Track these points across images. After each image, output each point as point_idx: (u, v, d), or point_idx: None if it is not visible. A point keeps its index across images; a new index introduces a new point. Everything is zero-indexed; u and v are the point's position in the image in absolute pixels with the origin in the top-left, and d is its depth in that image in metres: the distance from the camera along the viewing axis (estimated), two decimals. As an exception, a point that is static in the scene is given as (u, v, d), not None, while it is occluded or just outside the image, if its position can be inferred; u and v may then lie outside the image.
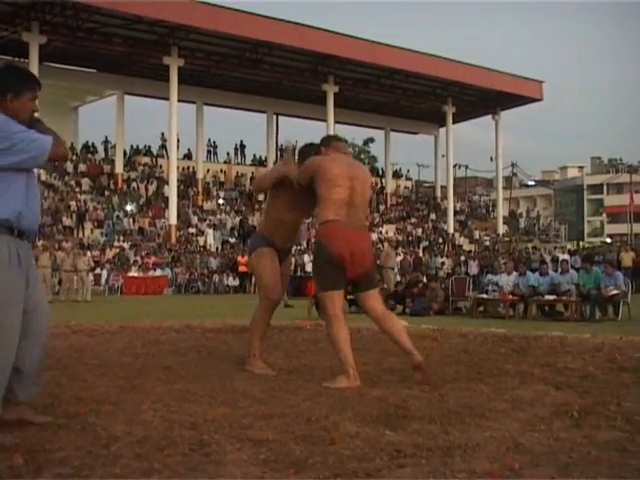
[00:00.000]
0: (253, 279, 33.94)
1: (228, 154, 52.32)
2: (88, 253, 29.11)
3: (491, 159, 54.57)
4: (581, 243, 58.11)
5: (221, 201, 45.17)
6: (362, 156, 77.83)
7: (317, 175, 6.20)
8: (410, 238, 45.28)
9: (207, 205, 44.13)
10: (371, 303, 6.29)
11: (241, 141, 53.06)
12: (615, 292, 15.78)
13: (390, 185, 54.38)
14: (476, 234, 49.36)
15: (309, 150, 6.75)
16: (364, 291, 6.29)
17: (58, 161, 3.91)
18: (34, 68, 34.15)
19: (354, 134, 75.01)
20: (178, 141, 43.09)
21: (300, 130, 56.56)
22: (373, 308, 6.28)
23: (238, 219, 42.94)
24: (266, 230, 6.87)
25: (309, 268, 31.27)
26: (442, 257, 35.57)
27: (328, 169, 6.16)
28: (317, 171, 6.22)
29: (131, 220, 39.66)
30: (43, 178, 40.51)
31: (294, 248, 18.90)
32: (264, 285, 6.78)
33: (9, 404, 4.31)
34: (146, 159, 48.10)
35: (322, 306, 6.45)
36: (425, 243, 44.47)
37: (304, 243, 36.16)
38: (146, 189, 44.06)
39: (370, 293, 6.32)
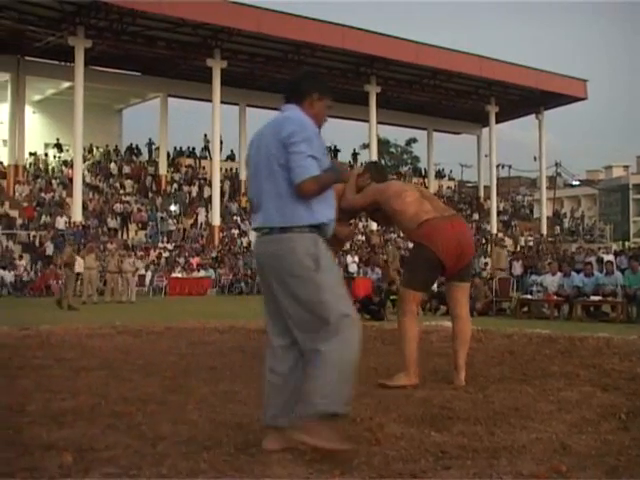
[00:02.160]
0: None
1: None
2: (133, 254, 29.35)
3: (535, 159, 54.08)
4: (626, 243, 57.27)
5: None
6: (405, 156, 77.60)
7: (381, 197, 6.26)
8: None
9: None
10: (459, 296, 6.30)
11: (286, 142, 53.06)
12: (662, 293, 15.55)
13: (433, 185, 54.08)
14: (520, 238, 48.94)
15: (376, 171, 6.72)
16: (458, 282, 6.27)
17: (304, 196, 3.89)
18: (79, 72, 34.60)
19: (396, 134, 74.68)
20: (221, 143, 43.24)
21: (343, 131, 56.66)
22: (459, 303, 6.30)
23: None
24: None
25: (352, 269, 31.27)
26: (485, 257, 35.31)
27: (385, 188, 6.30)
28: (377, 194, 6.29)
29: (175, 221, 39.91)
30: (88, 180, 40.98)
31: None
32: None
33: None
34: (189, 161, 48.34)
35: (400, 299, 6.48)
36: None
37: (347, 244, 36.10)
38: (189, 191, 44.31)
39: (463, 285, 6.32)
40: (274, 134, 3.90)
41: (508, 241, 45.88)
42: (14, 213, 35.86)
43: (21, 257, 31.80)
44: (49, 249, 32.36)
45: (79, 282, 25.66)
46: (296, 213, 3.85)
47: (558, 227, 55.80)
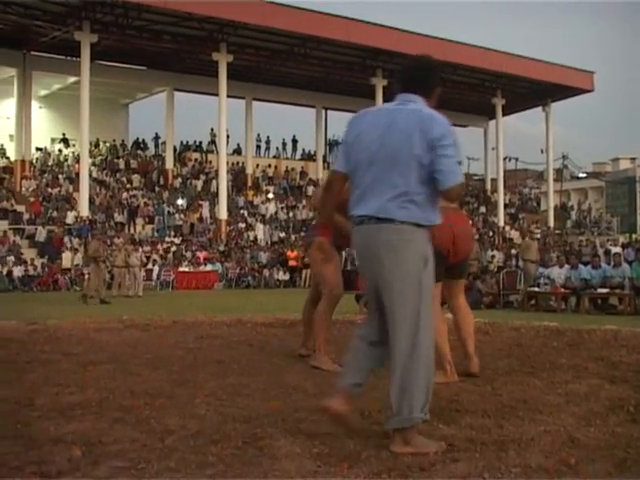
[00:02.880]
0: (304, 273, 34.12)
1: (277, 149, 52.44)
2: (140, 249, 29.38)
3: (542, 151, 53.95)
4: (634, 235, 57.09)
5: (270, 195, 45.26)
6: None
7: None
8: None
9: (257, 200, 44.26)
10: (456, 292, 6.25)
11: (294, 136, 53.11)
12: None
13: (439, 178, 53.95)
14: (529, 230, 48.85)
15: None
16: (455, 278, 6.15)
17: (452, 200, 3.87)
18: (85, 66, 34.61)
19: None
20: (228, 137, 43.26)
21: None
22: (456, 296, 6.25)
23: (287, 213, 43.09)
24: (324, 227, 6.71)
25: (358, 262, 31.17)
26: (492, 250, 35.27)
27: None
28: None
29: (182, 215, 39.94)
30: (95, 175, 41.03)
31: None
32: (328, 281, 6.69)
33: None
34: (196, 155, 48.37)
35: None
36: (475, 236, 44.18)
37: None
38: (196, 185, 44.33)
39: (459, 282, 6.25)
40: (420, 131, 3.76)
41: (515, 234, 45.82)
42: (21, 208, 35.93)
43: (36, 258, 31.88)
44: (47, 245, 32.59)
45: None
46: (420, 211, 3.82)
47: (567, 220, 55.67)
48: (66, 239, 33.09)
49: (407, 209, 3.78)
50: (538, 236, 42.20)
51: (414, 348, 3.75)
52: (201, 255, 34.22)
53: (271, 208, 43.12)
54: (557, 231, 49.05)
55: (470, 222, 6.31)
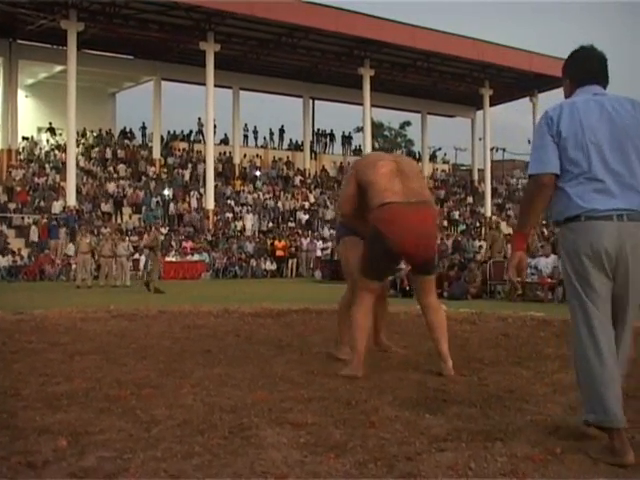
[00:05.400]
0: (290, 263, 34.19)
1: (265, 139, 52.35)
2: (127, 239, 29.29)
3: (529, 142, 54.01)
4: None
5: (258, 184, 45.24)
6: (399, 140, 77.49)
7: (357, 168, 6.16)
8: (447, 222, 45.03)
9: (244, 189, 44.19)
10: (426, 287, 6.06)
11: (282, 126, 53.00)
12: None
13: (427, 168, 53.97)
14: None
15: None
16: (424, 275, 6.02)
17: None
18: (72, 55, 34.41)
19: (390, 118, 74.46)
20: (215, 126, 43.13)
21: (337, 114, 56.54)
22: (425, 292, 6.07)
23: (274, 203, 43.08)
24: (349, 223, 6.60)
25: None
26: (480, 241, 35.30)
27: (362, 159, 6.13)
28: (355, 167, 6.22)
29: (169, 205, 39.83)
30: (82, 164, 40.85)
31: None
32: (351, 272, 6.47)
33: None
34: (183, 144, 48.21)
35: (355, 287, 6.20)
36: (462, 227, 44.25)
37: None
38: (183, 174, 44.21)
39: (428, 279, 6.06)
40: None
41: (503, 224, 45.89)
42: (7, 197, 35.73)
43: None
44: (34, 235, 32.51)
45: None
46: None
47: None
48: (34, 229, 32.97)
49: None
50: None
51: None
52: (187, 245, 34.15)
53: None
54: (544, 221, 49.15)
55: (436, 216, 5.84)
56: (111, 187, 39.43)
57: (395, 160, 6.09)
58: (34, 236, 32.62)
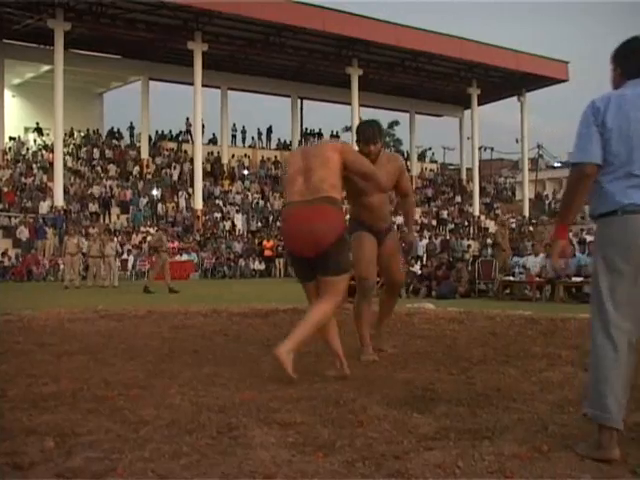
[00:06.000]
0: (278, 263, 34.15)
1: (253, 138, 52.35)
2: (115, 239, 29.24)
3: (517, 141, 54.24)
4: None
5: (247, 183, 45.22)
6: (387, 139, 77.52)
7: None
8: (436, 221, 45.10)
9: (233, 189, 44.17)
10: (320, 292, 5.53)
11: (270, 126, 53.03)
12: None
13: (415, 168, 54.10)
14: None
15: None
16: (320, 275, 5.48)
17: None
18: (59, 55, 34.35)
19: (379, 117, 74.34)
20: (203, 126, 43.10)
21: (325, 114, 56.45)
22: (320, 297, 5.53)
23: (263, 203, 43.08)
24: (354, 214, 6.68)
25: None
26: (468, 240, 35.38)
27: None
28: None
29: (157, 205, 39.76)
30: (69, 164, 40.74)
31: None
32: (354, 266, 6.32)
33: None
34: (171, 144, 48.17)
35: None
36: (451, 226, 44.34)
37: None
38: (171, 174, 44.15)
39: (324, 280, 5.48)
40: None
41: (490, 223, 46.03)
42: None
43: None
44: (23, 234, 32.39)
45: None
46: None
47: (539, 210, 55.96)
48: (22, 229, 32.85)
49: None
50: (513, 225, 42.42)
51: None
52: (176, 245, 34.09)
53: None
54: (533, 220, 49.32)
55: (329, 210, 5.43)
56: (99, 187, 39.32)
57: (303, 154, 5.70)
58: (22, 236, 32.52)
